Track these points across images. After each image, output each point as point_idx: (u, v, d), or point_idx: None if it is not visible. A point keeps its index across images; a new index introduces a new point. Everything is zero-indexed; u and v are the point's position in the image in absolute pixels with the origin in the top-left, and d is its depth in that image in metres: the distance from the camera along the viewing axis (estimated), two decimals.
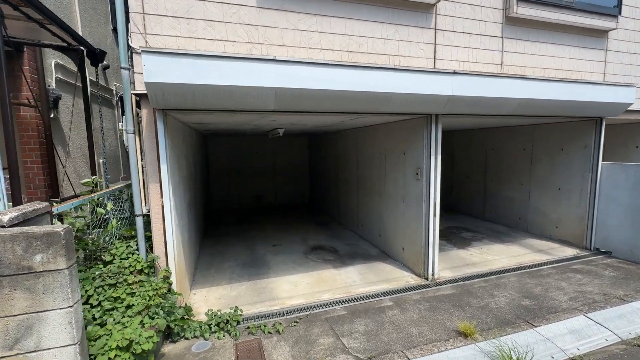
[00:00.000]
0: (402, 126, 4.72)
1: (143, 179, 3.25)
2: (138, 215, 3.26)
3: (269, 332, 3.20)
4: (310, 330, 3.24)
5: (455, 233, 6.64)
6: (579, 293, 3.94)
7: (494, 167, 7.33)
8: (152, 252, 3.32)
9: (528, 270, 4.68)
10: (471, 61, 4.31)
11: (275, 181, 10.16)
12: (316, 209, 9.43)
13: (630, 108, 5.49)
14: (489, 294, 3.94)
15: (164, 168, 3.15)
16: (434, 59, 4.12)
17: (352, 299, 3.88)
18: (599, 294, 3.91)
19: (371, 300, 3.86)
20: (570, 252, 5.40)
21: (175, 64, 2.70)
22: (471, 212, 8.16)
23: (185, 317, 3.26)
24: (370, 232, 6.05)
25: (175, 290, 3.32)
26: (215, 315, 3.33)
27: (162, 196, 3.18)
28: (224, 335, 3.15)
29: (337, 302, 3.80)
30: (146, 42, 3.03)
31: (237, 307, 3.54)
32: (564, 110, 4.58)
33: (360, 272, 4.67)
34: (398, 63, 3.95)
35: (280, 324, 3.34)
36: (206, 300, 3.91)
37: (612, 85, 4.55)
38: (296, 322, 3.39)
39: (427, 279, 4.39)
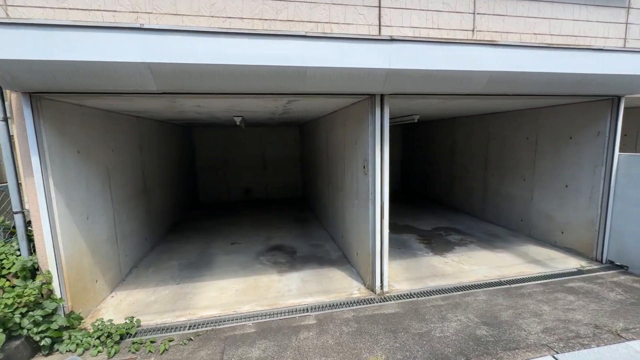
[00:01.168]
0: (352, 111, 4.00)
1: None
2: (16, 213, 2.93)
3: (149, 352, 2.76)
4: (197, 352, 2.75)
5: (442, 235, 5.77)
6: (561, 322, 3.05)
7: (496, 160, 6.27)
8: (35, 254, 3.00)
9: (508, 286, 3.81)
10: (431, 27, 3.48)
11: (266, 174, 9.72)
12: (305, 204, 8.87)
13: None
14: (440, 317, 3.18)
15: (35, 161, 2.78)
16: (379, 25, 3.35)
17: (273, 313, 3.33)
18: (587, 325, 3.00)
19: (294, 316, 3.27)
20: (573, 264, 4.38)
21: (8, 36, 2.27)
22: (470, 210, 7.15)
23: (68, 326, 2.91)
24: (336, 233, 5.40)
25: (59, 297, 2.97)
26: (101, 327, 2.95)
27: (37, 192, 2.81)
28: (99, 352, 2.76)
29: (253, 316, 3.27)
30: (7, 14, 2.64)
31: (133, 317, 3.13)
32: (563, 88, 3.57)
33: (303, 280, 4.09)
34: (330, 31, 3.24)
35: (172, 340, 2.89)
36: (118, 306, 3.56)
37: (630, 52, 3.46)
38: (191, 339, 2.92)
39: (374, 292, 3.70)
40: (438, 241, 5.45)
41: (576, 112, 4.60)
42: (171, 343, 2.85)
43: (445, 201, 8.13)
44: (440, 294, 3.66)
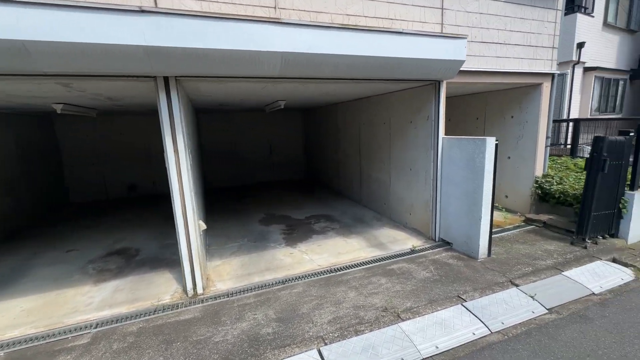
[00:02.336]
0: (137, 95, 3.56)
1: None
2: None
3: None
4: None
5: (310, 224, 5.70)
6: (355, 309, 3.06)
7: (366, 146, 6.34)
8: None
9: (333, 274, 3.78)
10: (224, 2, 3.13)
11: (151, 167, 8.88)
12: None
13: (484, 69, 4.52)
14: (237, 318, 2.99)
15: None
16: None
17: (45, 335, 2.83)
18: (377, 309, 3.03)
19: (66, 336, 2.82)
20: (411, 244, 4.54)
21: None
22: (351, 195, 7.25)
23: None
24: None
25: None
26: None
27: None
28: None
29: (14, 343, 2.75)
30: None
31: None
32: (370, 71, 3.49)
33: (117, 289, 3.63)
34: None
35: None
36: None
37: (428, 36, 3.50)
38: None
39: (187, 295, 3.40)
40: (301, 230, 5.35)
41: (413, 97, 4.70)
42: None
43: (334, 187, 8.18)
44: (260, 289, 3.49)
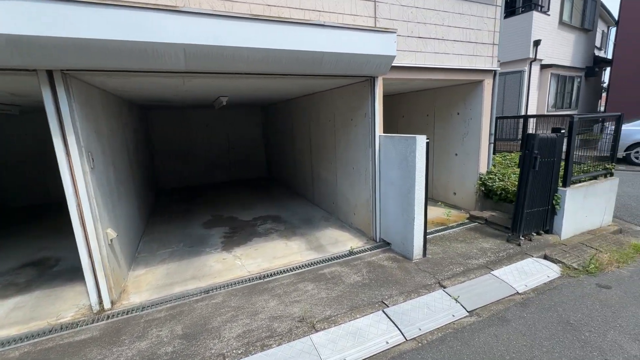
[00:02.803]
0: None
1: None
2: None
3: None
4: None
5: (255, 226, 5.47)
6: (270, 320, 2.87)
7: (315, 144, 6.16)
8: None
9: (261, 281, 3.58)
10: None
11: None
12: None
13: (422, 65, 4.42)
14: (138, 336, 2.73)
15: None
16: None
17: None
18: (294, 320, 2.86)
19: None
20: (351, 245, 4.42)
21: None
22: (305, 194, 7.08)
23: None
24: None
25: None
26: None
27: None
28: None
29: None
30: None
31: None
32: (289, 66, 3.23)
33: (17, 306, 3.26)
34: None
35: None
36: None
37: (352, 30, 3.33)
38: None
39: (92, 311, 3.10)
40: (244, 233, 5.11)
41: (352, 93, 4.55)
42: None
43: (292, 186, 7.98)
44: (176, 301, 3.24)
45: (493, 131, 5.36)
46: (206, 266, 4.00)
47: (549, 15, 11.75)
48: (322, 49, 3.23)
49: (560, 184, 4.40)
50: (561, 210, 4.37)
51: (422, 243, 3.95)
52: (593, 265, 3.70)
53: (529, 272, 3.62)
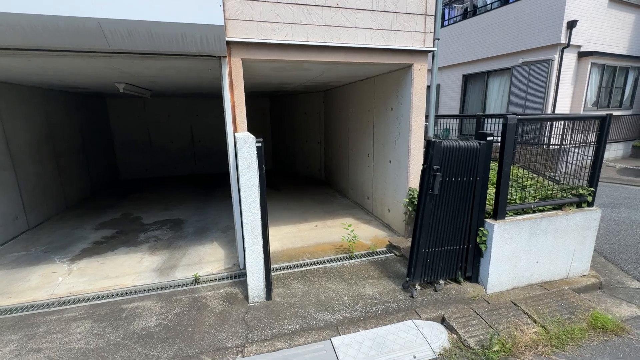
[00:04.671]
0: None
1: None
2: None
3: None
4: None
5: (146, 231, 4.80)
6: None
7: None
8: None
9: (44, 310, 2.88)
10: None
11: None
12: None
13: (306, 42, 3.33)
14: None
15: None
16: None
17: None
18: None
19: None
20: (207, 270, 3.54)
21: None
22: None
23: None
24: None
25: None
26: None
27: None
28: None
29: None
30: None
31: None
32: (70, 39, 2.48)
33: None
34: None
35: None
36: None
37: None
38: None
39: None
40: (117, 241, 4.46)
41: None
42: None
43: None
44: None
45: (433, 132, 4.04)
46: (24, 280, 3.42)
47: None
48: (94, 15, 2.37)
49: (488, 215, 3.06)
50: (488, 251, 3.03)
51: (262, 282, 2.94)
52: (498, 347, 2.41)
53: (390, 346, 2.45)
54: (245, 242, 2.80)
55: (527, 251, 3.12)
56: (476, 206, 2.96)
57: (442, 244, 2.98)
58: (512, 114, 2.82)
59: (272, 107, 9.47)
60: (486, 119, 8.28)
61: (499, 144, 2.94)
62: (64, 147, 6.09)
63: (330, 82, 5.56)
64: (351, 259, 3.78)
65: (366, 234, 4.51)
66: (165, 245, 4.28)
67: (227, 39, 3.03)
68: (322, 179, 7.91)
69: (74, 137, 6.51)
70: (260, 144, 2.64)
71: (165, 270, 3.58)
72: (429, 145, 2.76)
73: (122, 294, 3.14)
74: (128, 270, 3.61)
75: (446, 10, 13.54)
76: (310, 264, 3.68)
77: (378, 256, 3.85)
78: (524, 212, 3.15)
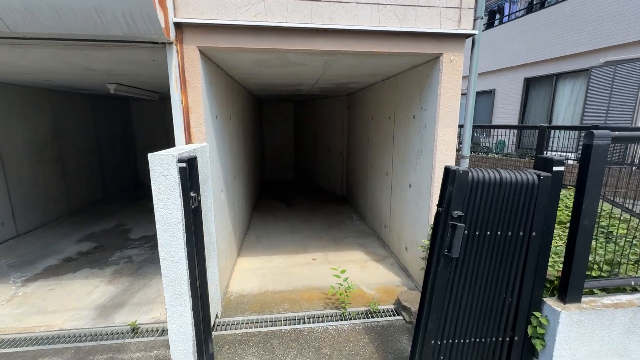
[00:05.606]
0: None
1: None
2: None
3: None
4: None
5: (126, 247, 4.26)
6: None
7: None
8: None
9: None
10: None
11: None
12: None
13: (285, 24, 2.49)
14: None
15: None
16: None
17: None
18: None
19: None
20: (157, 314, 2.80)
21: None
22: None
23: None
24: None
25: None
26: None
27: None
28: None
29: None
30: None
31: None
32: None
33: None
34: None
35: None
36: None
37: None
38: None
39: None
40: (87, 260, 3.96)
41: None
42: None
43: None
44: None
45: (468, 151, 2.89)
46: None
47: None
48: None
49: (548, 292, 1.87)
50: (547, 351, 1.84)
51: (192, 353, 2.08)
52: None
53: None
54: (166, 302, 1.98)
55: (621, 359, 1.86)
56: (529, 277, 1.80)
57: (465, 333, 1.86)
58: (604, 128, 1.63)
59: (296, 112, 8.75)
60: (552, 132, 6.64)
61: (577, 172, 1.76)
62: (73, 150, 5.93)
63: (347, 83, 4.61)
64: (342, 320, 2.77)
65: (373, 278, 3.46)
66: (133, 270, 3.66)
67: (175, 19, 2.29)
68: (343, 195, 6.92)
69: (87, 139, 6.37)
70: (184, 165, 1.81)
71: (108, 310, 2.91)
72: (447, 175, 1.69)
73: (40, 340, 2.51)
74: (70, 303, 3.01)
75: (506, 5, 11.77)
76: (285, 321, 2.75)
77: (379, 319, 2.78)
78: (616, 290, 1.90)
